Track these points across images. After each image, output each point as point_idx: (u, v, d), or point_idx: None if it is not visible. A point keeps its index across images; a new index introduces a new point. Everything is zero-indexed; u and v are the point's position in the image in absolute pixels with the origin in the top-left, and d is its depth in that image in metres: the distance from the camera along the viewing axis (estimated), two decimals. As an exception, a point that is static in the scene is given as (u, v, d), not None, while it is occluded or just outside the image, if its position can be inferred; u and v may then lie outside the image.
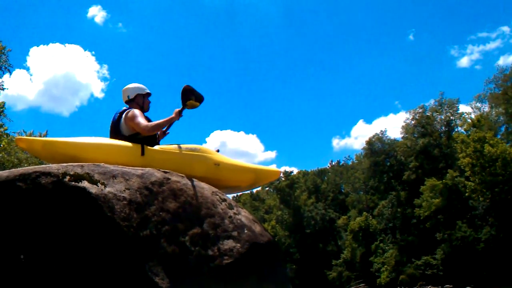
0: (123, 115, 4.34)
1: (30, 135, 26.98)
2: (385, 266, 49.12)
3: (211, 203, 3.82)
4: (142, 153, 4.03)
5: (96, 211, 3.16)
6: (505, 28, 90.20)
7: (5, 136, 20.05)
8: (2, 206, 3.15)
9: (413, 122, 51.87)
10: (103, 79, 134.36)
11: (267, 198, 67.30)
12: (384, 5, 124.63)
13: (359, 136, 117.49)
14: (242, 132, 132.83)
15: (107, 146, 4.02)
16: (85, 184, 3.23)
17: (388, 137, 57.53)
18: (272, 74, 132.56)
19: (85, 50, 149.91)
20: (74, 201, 3.17)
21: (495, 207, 37.78)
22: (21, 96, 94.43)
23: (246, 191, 4.91)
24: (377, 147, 56.27)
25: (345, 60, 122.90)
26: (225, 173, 4.49)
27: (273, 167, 5.10)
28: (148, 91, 4.72)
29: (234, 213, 3.90)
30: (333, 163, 78.09)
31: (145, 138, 4.22)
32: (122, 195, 3.33)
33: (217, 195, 3.97)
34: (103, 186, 3.29)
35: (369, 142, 56.95)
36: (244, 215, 3.97)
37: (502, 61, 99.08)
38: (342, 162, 76.74)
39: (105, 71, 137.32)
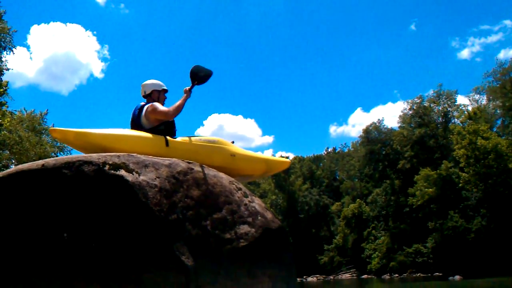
0: (143, 110, 4.73)
1: (30, 114, 27.21)
2: (376, 252, 50.01)
3: (229, 191, 4.24)
4: (167, 144, 4.45)
5: (132, 196, 3.57)
6: (508, 22, 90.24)
7: (8, 114, 20.35)
8: (50, 191, 3.57)
9: (410, 112, 52.32)
10: (103, 59, 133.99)
11: (262, 182, 67.83)
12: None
13: (356, 124, 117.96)
14: (240, 116, 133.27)
15: (135, 138, 4.41)
16: (122, 172, 3.63)
17: (385, 126, 58.08)
18: (272, 60, 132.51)
19: (86, 30, 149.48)
20: (113, 187, 3.58)
21: (487, 199, 38.43)
22: (20, 73, 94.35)
23: (258, 179, 5.36)
24: (374, 136, 56.78)
25: (346, 48, 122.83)
26: (240, 163, 4.92)
27: (283, 157, 5.52)
28: (165, 87, 5.05)
29: (249, 201, 4.33)
30: (329, 150, 78.76)
31: (166, 131, 4.63)
32: (154, 182, 3.74)
33: (234, 184, 4.39)
34: (137, 174, 3.70)
35: (366, 131, 57.48)
36: (257, 203, 4.40)
37: (503, 54, 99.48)
38: (338, 149, 77.46)
39: (105, 51, 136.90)
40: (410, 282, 32.75)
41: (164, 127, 4.65)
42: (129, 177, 3.63)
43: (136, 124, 4.72)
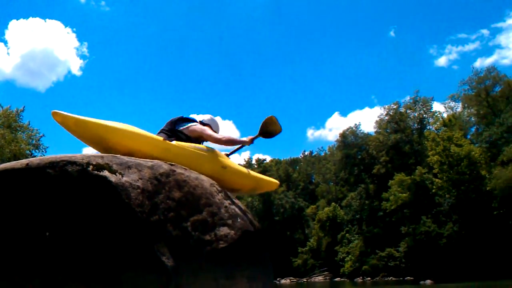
0: (192, 122, 5.07)
1: (6, 111, 26.78)
2: (350, 256, 50.57)
3: (210, 193, 4.32)
4: None
5: (115, 197, 3.62)
6: (485, 31, 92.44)
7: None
8: (33, 190, 3.60)
9: (387, 117, 53.10)
10: (82, 56, 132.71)
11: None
12: (368, 0, 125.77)
13: (333, 128, 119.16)
14: (218, 117, 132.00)
15: (135, 134, 4.51)
16: (106, 173, 3.68)
17: (361, 131, 58.81)
18: (252, 62, 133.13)
19: (65, 27, 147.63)
20: (96, 188, 3.62)
21: (459, 205, 39.26)
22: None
23: (244, 195, 5.47)
24: (350, 140, 57.40)
25: (325, 52, 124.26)
26: (229, 176, 4.99)
27: (273, 179, 5.58)
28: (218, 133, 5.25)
29: (229, 203, 4.42)
30: (306, 153, 79.31)
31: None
32: (137, 184, 3.79)
33: (215, 186, 4.47)
34: (120, 175, 3.75)
35: (343, 135, 58.09)
36: (237, 205, 4.50)
37: (479, 63, 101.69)
38: (315, 153, 78.05)
39: (84, 48, 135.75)
40: (382, 286, 33.22)
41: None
42: (112, 178, 3.68)
43: (171, 125, 4.99)
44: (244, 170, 5.27)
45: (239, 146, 5.04)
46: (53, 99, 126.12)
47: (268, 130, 5.20)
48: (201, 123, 5.24)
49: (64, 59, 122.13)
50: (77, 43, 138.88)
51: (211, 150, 4.95)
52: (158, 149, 4.56)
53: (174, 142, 4.76)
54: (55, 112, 4.33)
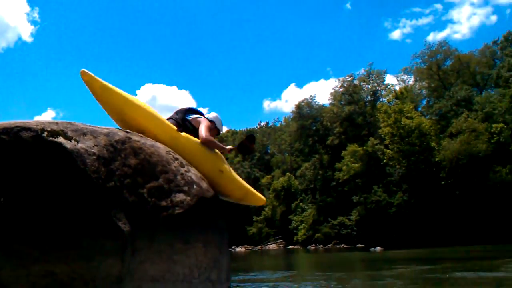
0: (197, 114, 5.36)
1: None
2: (303, 224, 51.75)
3: (166, 161, 4.39)
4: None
5: (70, 163, 3.64)
6: (438, 6, 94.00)
7: None
8: (-13, 155, 3.57)
9: (341, 89, 53.81)
10: (33, 22, 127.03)
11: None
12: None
13: (289, 99, 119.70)
14: (174, 87, 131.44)
15: (149, 114, 4.72)
16: (60, 139, 3.68)
17: (316, 103, 59.41)
18: (209, 31, 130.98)
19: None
20: (52, 154, 3.62)
21: (409, 175, 40.62)
22: None
23: (230, 201, 5.60)
24: (305, 112, 57.94)
25: (282, 23, 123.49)
26: (223, 181, 5.13)
27: (260, 195, 5.67)
28: (221, 131, 5.75)
29: (185, 171, 4.50)
30: (262, 124, 79.73)
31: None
32: (92, 150, 3.82)
33: (171, 154, 4.54)
34: (75, 142, 3.76)
35: (298, 106, 58.53)
36: (193, 173, 4.59)
37: (432, 37, 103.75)
38: (271, 124, 78.56)
39: (35, 14, 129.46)
40: (334, 253, 34.28)
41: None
42: (68, 144, 3.69)
43: (181, 114, 5.29)
44: (238, 179, 5.42)
45: (217, 147, 5.22)
46: (2, 66, 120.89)
47: (246, 147, 5.69)
48: (208, 119, 5.39)
49: (14, 25, 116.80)
50: (27, 8, 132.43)
51: (217, 153, 5.14)
52: (168, 136, 4.71)
53: (184, 134, 4.91)
54: (84, 71, 4.42)
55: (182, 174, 4.44)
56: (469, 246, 28.23)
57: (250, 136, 5.74)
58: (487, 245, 27.27)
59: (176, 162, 4.50)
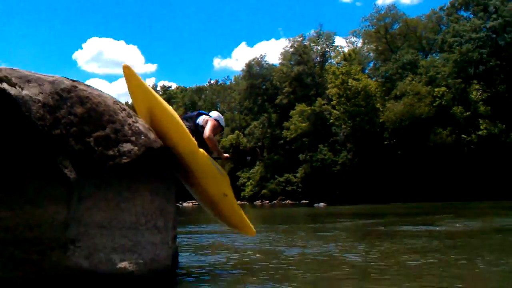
0: (204, 116, 5.80)
1: None
2: (250, 181, 52.59)
3: (113, 111, 4.40)
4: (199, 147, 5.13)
5: (15, 110, 3.62)
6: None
7: None
8: None
9: (291, 50, 53.91)
10: None
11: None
12: None
13: (240, 58, 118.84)
14: (122, 42, 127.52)
15: (176, 122, 5.00)
16: (4, 85, 3.63)
17: (266, 62, 59.44)
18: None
19: None
20: (-5, 99, 3.59)
21: (354, 135, 41.74)
22: None
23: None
24: (256, 71, 57.87)
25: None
26: (224, 205, 5.34)
27: (252, 228, 5.80)
28: (223, 127, 6.06)
29: (133, 121, 4.53)
30: (212, 82, 79.05)
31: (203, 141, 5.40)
32: (37, 98, 3.79)
33: (118, 104, 4.55)
34: (20, 88, 3.73)
35: (248, 65, 58.35)
36: (141, 124, 4.63)
37: (381, 1, 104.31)
38: (221, 82, 78.00)
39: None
40: (279, 208, 35.16)
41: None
42: (12, 90, 3.65)
43: (192, 118, 5.76)
44: (237, 207, 5.55)
45: (214, 153, 5.60)
46: None
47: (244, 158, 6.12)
48: (213, 119, 5.77)
49: None
50: None
51: (225, 175, 5.36)
52: (188, 148, 4.96)
53: (201, 151, 5.10)
54: (126, 66, 4.80)
55: (129, 124, 4.47)
56: (408, 203, 29.62)
57: (253, 150, 6.06)
58: (425, 202, 28.70)
59: (123, 112, 4.52)
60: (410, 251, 6.69)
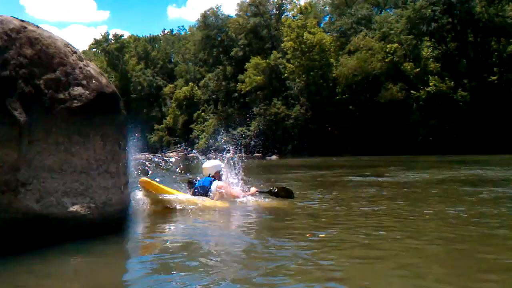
0: (214, 184, 6.63)
1: None
2: (204, 133, 52.56)
3: (64, 53, 4.34)
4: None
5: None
6: None
7: None
8: None
9: (247, 1, 53.00)
10: None
11: (94, 59, 64.64)
12: None
13: (195, 8, 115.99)
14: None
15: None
16: (-51, 23, 3.54)
17: (222, 13, 58.27)
18: None
19: None
20: None
21: (307, 89, 42.11)
22: None
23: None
24: (211, 21, 56.76)
25: None
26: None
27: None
28: (223, 166, 7.11)
29: (84, 65, 4.49)
30: (166, 32, 77.22)
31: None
32: (-16, 37, 3.72)
33: (69, 47, 4.48)
34: (-35, 27, 3.64)
35: (204, 15, 57.10)
36: (92, 68, 4.58)
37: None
38: (175, 32, 76.27)
39: None
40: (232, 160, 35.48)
41: None
42: (-43, 29, 3.56)
43: (204, 188, 6.63)
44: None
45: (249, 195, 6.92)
46: None
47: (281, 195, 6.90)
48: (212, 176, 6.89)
49: None
50: None
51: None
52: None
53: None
54: (143, 181, 5.93)
55: (80, 68, 4.43)
56: (359, 156, 30.49)
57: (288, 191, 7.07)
58: (375, 156, 29.60)
59: (74, 55, 4.46)
60: (361, 199, 7.04)
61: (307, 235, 4.39)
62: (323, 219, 5.27)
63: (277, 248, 3.82)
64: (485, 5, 35.73)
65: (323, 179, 11.99)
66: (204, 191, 6.53)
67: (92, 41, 69.23)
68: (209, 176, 6.84)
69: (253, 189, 7.03)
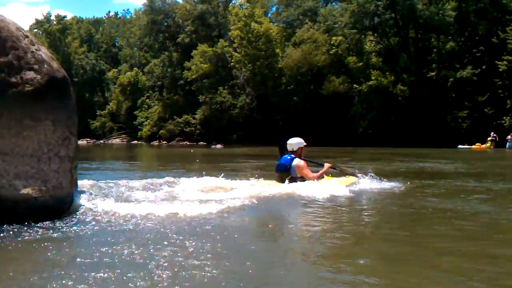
0: (294, 162, 7.13)
1: None
2: (148, 120, 51.94)
3: (16, 37, 4.38)
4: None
5: None
6: None
7: None
8: None
9: (195, -14, 52.51)
10: None
11: (37, 37, 62.26)
12: None
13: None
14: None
15: None
16: None
17: (170, -3, 57.40)
18: None
19: None
20: None
21: (253, 79, 42.40)
22: None
23: None
24: (158, 6, 55.82)
25: None
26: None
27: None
28: (305, 144, 7.53)
29: (36, 49, 4.54)
30: (111, 15, 75.44)
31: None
32: None
33: (21, 31, 4.52)
34: None
35: (150, 0, 56.10)
36: (44, 52, 4.64)
37: None
38: (120, 15, 74.60)
39: None
40: (177, 148, 35.43)
41: None
42: None
43: (286, 166, 7.18)
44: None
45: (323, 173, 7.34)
46: None
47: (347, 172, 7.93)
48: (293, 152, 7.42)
49: None
50: None
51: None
52: None
53: None
54: None
55: (32, 52, 4.48)
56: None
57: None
58: (319, 147, 30.23)
59: (26, 39, 4.51)
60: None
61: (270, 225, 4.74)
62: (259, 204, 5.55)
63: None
64: (426, 2, 37.15)
65: (267, 169, 12.33)
66: (285, 168, 7.10)
67: (33, 21, 66.46)
68: (292, 151, 7.31)
69: (326, 165, 7.48)
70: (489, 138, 30.17)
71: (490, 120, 33.19)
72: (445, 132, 33.25)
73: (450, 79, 35.26)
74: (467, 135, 32.43)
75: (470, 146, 29.65)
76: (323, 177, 7.16)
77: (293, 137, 7.69)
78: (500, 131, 31.03)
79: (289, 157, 7.18)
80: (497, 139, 30.08)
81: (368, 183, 7.30)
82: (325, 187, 6.60)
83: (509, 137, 30.16)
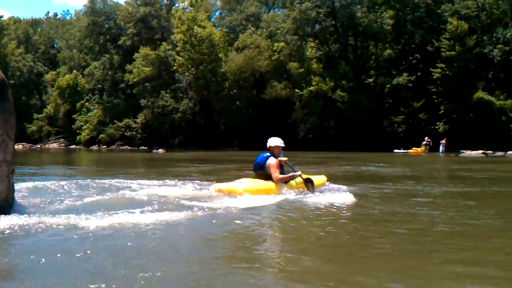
0: (268, 161, 7.24)
1: None
2: (88, 124, 50.68)
3: None
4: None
5: None
6: None
7: None
8: None
9: (137, -12, 51.87)
10: None
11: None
12: None
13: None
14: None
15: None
16: None
17: (111, -1, 56.42)
18: None
19: None
20: None
21: (196, 83, 42.33)
22: None
23: None
24: (99, 7, 54.74)
25: None
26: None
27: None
28: (283, 145, 7.63)
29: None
30: (50, 15, 73.27)
31: None
32: None
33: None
34: None
35: (91, 1, 54.88)
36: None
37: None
38: (59, 16, 72.57)
39: None
40: (116, 153, 34.71)
41: None
42: None
43: (260, 165, 7.33)
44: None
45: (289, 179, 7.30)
46: None
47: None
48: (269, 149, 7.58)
49: None
50: None
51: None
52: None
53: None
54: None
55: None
56: (244, 151, 31.27)
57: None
58: (258, 151, 30.53)
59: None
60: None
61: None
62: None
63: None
64: (366, 11, 38.34)
65: (209, 170, 12.38)
66: (260, 167, 7.23)
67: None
68: (268, 148, 7.46)
69: (298, 173, 7.38)
70: (423, 143, 31.48)
71: (425, 125, 34.62)
72: (382, 136, 34.38)
73: (387, 86, 36.55)
74: (403, 139, 33.70)
75: (406, 151, 30.79)
76: (288, 182, 7.22)
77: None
78: (434, 136, 32.44)
79: (265, 156, 7.31)
80: (431, 144, 31.44)
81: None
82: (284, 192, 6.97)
83: (442, 141, 31.57)
